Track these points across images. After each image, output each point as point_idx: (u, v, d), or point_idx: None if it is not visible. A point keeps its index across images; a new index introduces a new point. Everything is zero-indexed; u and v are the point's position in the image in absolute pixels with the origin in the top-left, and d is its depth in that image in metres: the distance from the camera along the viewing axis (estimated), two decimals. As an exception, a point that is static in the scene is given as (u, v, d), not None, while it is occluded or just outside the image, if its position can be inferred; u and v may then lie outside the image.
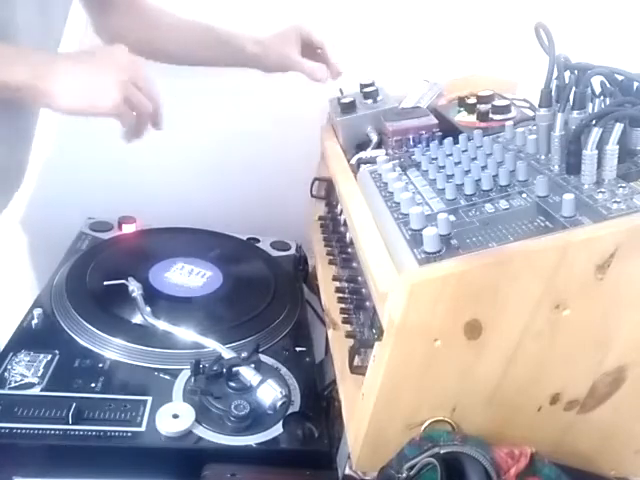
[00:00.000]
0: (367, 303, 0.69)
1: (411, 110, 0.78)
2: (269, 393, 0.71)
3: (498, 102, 0.71)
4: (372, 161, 0.70)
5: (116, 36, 0.92)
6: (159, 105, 0.74)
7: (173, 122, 1.07)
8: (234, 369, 0.73)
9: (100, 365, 0.75)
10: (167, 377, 0.75)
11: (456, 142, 0.64)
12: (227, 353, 0.76)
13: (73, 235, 1.01)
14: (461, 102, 0.77)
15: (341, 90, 0.86)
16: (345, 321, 0.78)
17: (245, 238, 1.07)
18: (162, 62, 0.95)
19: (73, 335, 0.78)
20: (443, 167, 0.61)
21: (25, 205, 1.08)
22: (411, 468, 0.50)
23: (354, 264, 0.77)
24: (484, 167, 0.59)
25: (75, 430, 0.66)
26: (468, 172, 0.59)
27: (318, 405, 0.76)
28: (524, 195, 0.54)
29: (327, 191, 0.95)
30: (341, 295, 0.79)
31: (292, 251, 1.06)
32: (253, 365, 0.75)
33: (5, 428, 0.65)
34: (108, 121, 1.04)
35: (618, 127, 0.49)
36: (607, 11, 0.80)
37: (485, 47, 1.01)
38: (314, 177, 0.95)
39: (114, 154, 1.08)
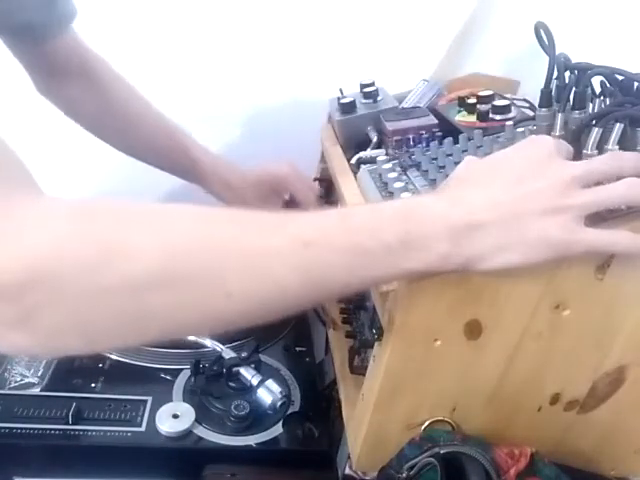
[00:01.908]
0: (367, 303, 0.69)
1: (411, 110, 0.78)
2: (269, 393, 0.71)
3: (498, 102, 0.70)
4: (372, 161, 0.70)
5: (67, 104, 0.84)
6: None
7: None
8: (234, 369, 0.73)
9: (100, 365, 0.75)
10: (167, 377, 0.75)
11: (456, 142, 0.64)
12: (227, 353, 0.76)
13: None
14: (461, 102, 0.76)
15: (341, 90, 0.85)
16: (345, 321, 0.78)
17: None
18: (115, 148, 0.88)
19: (73, 335, 0.78)
20: (443, 167, 0.61)
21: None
22: (411, 468, 0.50)
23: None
24: (484, 167, 0.59)
25: (75, 430, 0.66)
26: (468, 172, 0.59)
27: (318, 405, 0.76)
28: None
29: (327, 191, 0.94)
30: (341, 295, 0.79)
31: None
32: (253, 365, 0.75)
33: (5, 428, 0.65)
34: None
35: (618, 127, 0.49)
36: (607, 11, 0.80)
37: (485, 47, 1.01)
38: (314, 177, 0.95)
39: (114, 154, 1.08)
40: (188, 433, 0.67)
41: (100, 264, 0.35)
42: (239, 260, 0.39)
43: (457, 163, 0.60)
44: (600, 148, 0.50)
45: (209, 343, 0.78)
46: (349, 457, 0.60)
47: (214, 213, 0.42)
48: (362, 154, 0.73)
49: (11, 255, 0.34)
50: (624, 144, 0.50)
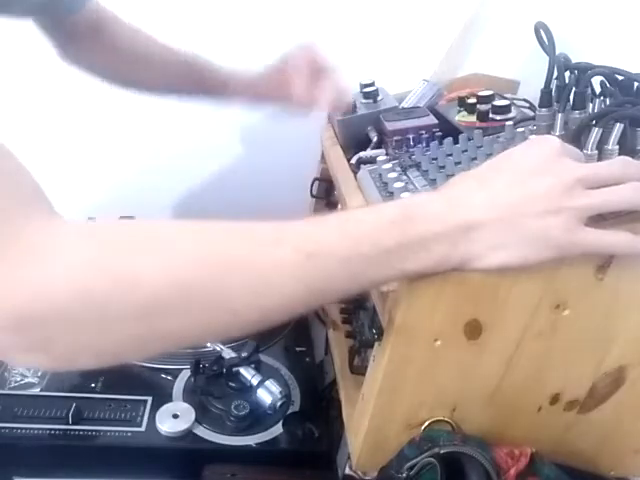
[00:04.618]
0: (367, 303, 0.69)
1: (411, 110, 0.78)
2: (269, 393, 0.71)
3: (498, 102, 0.70)
4: (372, 161, 0.70)
5: (82, 62, 0.84)
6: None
7: (172, 123, 1.07)
8: (234, 369, 0.73)
9: (100, 365, 0.75)
10: (167, 377, 0.75)
11: (456, 142, 0.64)
12: (227, 353, 0.76)
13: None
14: (461, 102, 0.76)
15: (341, 90, 0.85)
16: (345, 321, 0.78)
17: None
18: (137, 93, 0.87)
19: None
20: (443, 167, 0.61)
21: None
22: (411, 468, 0.50)
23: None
24: (484, 167, 0.59)
25: (75, 430, 0.66)
26: (468, 172, 0.59)
27: (318, 405, 0.76)
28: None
29: (327, 191, 0.94)
30: (341, 295, 0.79)
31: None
32: (253, 365, 0.75)
33: (5, 428, 0.65)
34: (109, 119, 1.04)
35: (618, 127, 0.49)
36: (607, 11, 0.80)
37: (485, 47, 1.01)
38: (314, 177, 0.95)
39: (115, 154, 1.09)
40: (188, 433, 0.67)
41: (109, 295, 0.36)
42: (243, 278, 0.40)
43: (457, 163, 0.60)
44: (600, 148, 0.50)
45: (209, 343, 0.78)
46: (349, 457, 0.60)
47: (216, 230, 0.42)
48: (362, 154, 0.73)
49: (24, 288, 0.35)
50: (624, 144, 0.50)
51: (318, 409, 0.75)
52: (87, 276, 0.36)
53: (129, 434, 0.67)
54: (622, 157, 0.47)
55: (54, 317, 0.36)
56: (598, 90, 0.54)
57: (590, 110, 0.54)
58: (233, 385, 0.73)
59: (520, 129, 0.62)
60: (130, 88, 0.88)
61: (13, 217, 0.37)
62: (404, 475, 0.51)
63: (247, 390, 0.72)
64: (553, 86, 0.56)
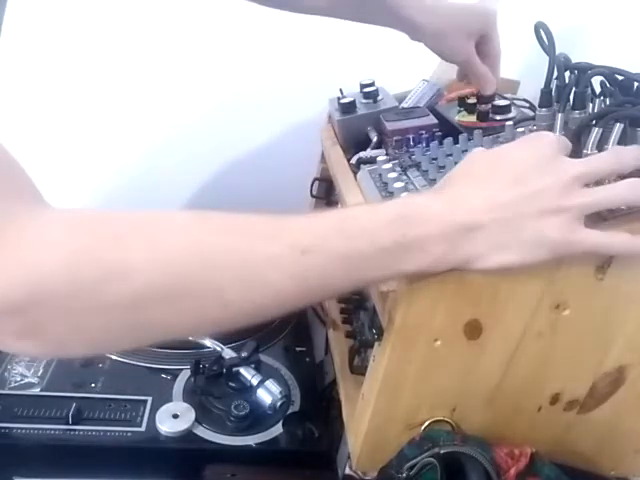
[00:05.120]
0: (367, 303, 0.69)
1: (411, 110, 0.78)
2: (269, 393, 0.71)
3: (498, 102, 0.71)
4: (372, 161, 0.70)
5: None
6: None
7: (171, 123, 1.07)
8: (234, 369, 0.73)
9: (100, 365, 0.75)
10: (167, 377, 0.75)
11: (456, 142, 0.64)
12: (227, 353, 0.76)
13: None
14: (461, 102, 0.76)
15: (341, 90, 0.86)
16: (345, 321, 0.78)
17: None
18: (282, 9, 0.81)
19: (73, 335, 0.78)
20: (443, 167, 0.61)
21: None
22: (411, 468, 0.50)
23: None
24: (484, 167, 0.59)
25: (75, 430, 0.66)
26: (468, 172, 0.59)
27: (318, 405, 0.76)
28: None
29: (327, 191, 0.95)
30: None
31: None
32: (253, 365, 0.75)
33: (5, 428, 0.65)
34: (105, 121, 1.04)
35: (618, 127, 0.49)
36: (607, 11, 0.80)
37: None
38: (314, 177, 0.95)
39: (114, 154, 1.09)
40: (188, 433, 0.67)
41: (100, 284, 0.36)
42: (237, 271, 0.40)
43: (457, 163, 0.60)
44: (600, 148, 0.50)
45: (209, 343, 0.78)
46: (349, 457, 0.60)
47: (211, 222, 0.42)
48: (362, 154, 0.73)
49: (15, 273, 0.35)
50: (624, 144, 0.50)
51: (318, 409, 0.75)
52: (79, 264, 0.36)
53: (129, 434, 0.67)
54: (614, 148, 0.47)
55: (45, 303, 0.36)
56: (598, 90, 0.54)
57: (590, 110, 0.54)
58: (233, 385, 0.73)
59: (520, 129, 0.62)
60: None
61: (3, 205, 0.37)
62: (404, 475, 0.51)
63: (247, 390, 0.72)
64: (553, 86, 0.56)
